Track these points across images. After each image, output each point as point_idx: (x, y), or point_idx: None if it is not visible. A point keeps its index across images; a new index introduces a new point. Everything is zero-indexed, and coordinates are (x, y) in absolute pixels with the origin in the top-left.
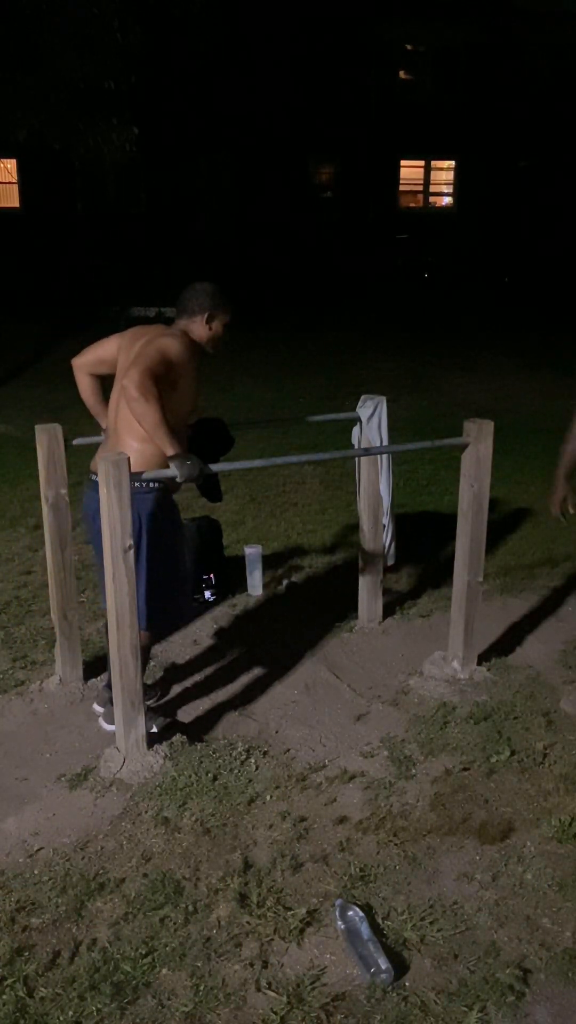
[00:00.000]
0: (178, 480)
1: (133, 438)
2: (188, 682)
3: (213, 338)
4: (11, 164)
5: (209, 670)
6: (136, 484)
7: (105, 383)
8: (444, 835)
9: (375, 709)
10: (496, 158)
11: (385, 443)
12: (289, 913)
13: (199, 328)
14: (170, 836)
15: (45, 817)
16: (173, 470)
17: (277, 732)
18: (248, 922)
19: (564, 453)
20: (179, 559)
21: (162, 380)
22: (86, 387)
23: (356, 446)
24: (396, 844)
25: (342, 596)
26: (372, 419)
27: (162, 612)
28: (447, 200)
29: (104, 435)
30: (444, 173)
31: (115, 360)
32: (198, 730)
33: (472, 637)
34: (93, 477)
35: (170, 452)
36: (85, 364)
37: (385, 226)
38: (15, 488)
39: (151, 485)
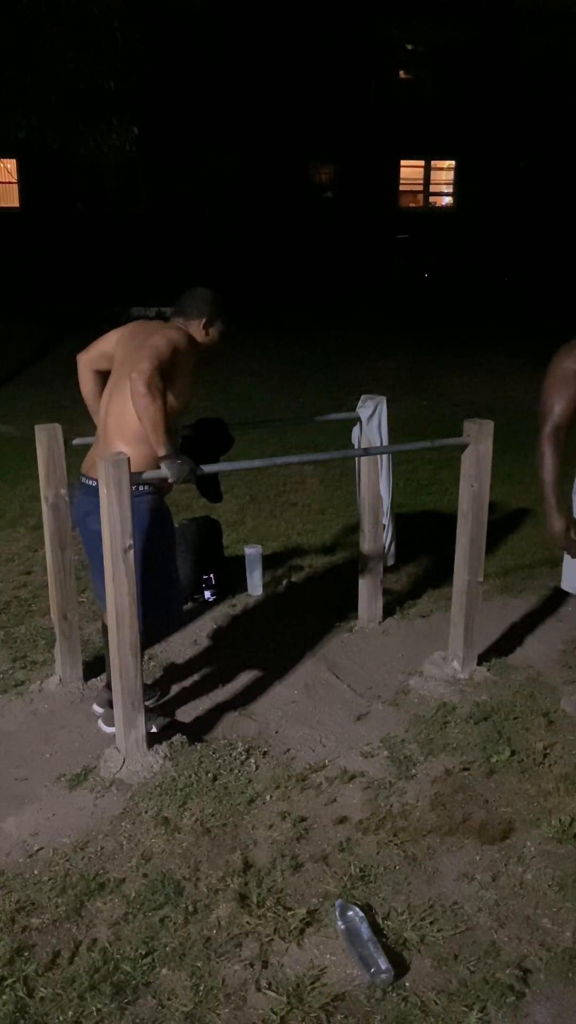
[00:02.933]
0: (170, 481)
1: (123, 441)
2: (188, 682)
3: (208, 344)
4: (11, 164)
5: (209, 670)
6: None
7: (105, 380)
8: (444, 835)
9: (375, 709)
10: (496, 158)
11: (385, 443)
12: (289, 913)
13: (197, 332)
14: (170, 836)
15: (45, 817)
16: (165, 471)
17: (277, 732)
18: (248, 922)
19: (548, 482)
20: (171, 564)
21: (165, 374)
22: (87, 383)
23: (356, 446)
24: (396, 844)
25: (342, 596)
26: (372, 419)
27: (153, 616)
28: (447, 200)
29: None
30: (444, 173)
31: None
32: (198, 730)
33: (472, 637)
34: (84, 480)
35: (162, 452)
36: (89, 360)
37: (385, 226)
38: (15, 488)
39: (141, 489)
